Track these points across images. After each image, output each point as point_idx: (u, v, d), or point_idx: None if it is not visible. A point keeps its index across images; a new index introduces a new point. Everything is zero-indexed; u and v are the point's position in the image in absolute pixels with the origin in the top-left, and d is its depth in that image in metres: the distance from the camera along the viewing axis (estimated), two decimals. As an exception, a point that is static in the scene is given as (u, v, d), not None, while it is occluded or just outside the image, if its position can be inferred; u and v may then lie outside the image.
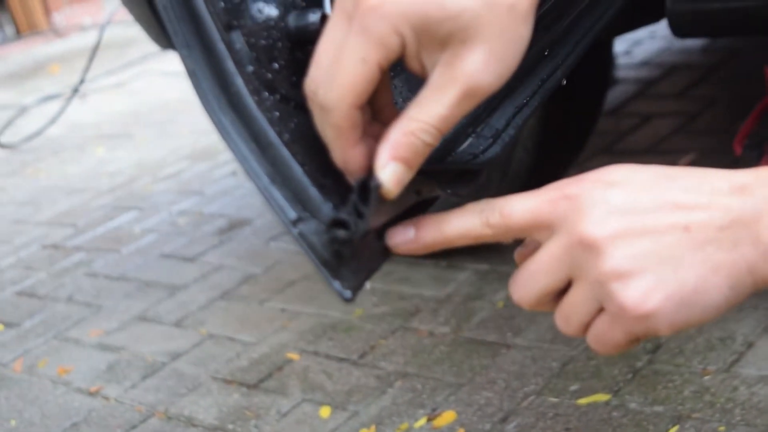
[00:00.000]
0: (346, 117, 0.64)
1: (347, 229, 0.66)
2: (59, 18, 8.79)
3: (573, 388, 1.58)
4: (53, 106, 5.04)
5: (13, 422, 1.90)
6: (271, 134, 0.71)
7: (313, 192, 0.70)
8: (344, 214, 0.66)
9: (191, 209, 2.93)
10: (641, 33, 3.41)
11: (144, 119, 4.47)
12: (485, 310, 1.90)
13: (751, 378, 1.48)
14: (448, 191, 0.77)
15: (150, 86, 5.26)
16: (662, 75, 2.98)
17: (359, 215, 0.65)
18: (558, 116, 1.99)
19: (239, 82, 0.72)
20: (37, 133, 4.54)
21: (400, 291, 2.06)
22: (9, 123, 4.93)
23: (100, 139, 4.28)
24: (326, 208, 0.69)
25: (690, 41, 3.19)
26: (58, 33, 8.29)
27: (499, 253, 2.11)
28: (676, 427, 1.41)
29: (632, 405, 1.49)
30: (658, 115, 2.67)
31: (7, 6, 8.84)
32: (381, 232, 0.72)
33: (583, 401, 1.53)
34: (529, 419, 1.52)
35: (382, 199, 0.66)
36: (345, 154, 0.66)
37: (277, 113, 0.72)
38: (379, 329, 1.93)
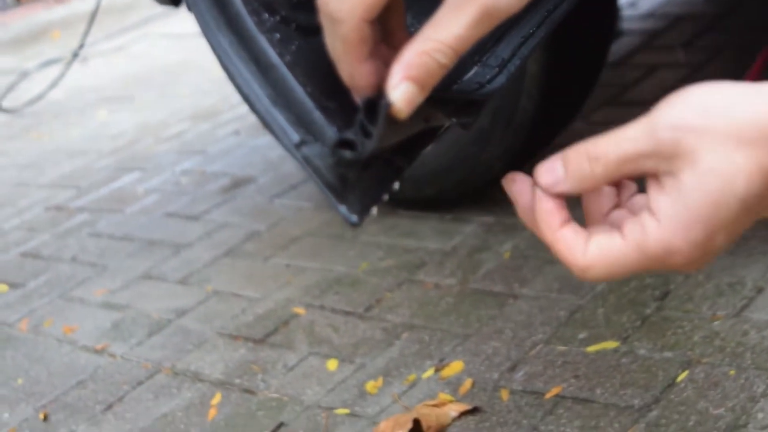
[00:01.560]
0: (355, 29, 0.62)
1: (354, 150, 0.64)
2: (59, -16, 8.72)
3: (581, 336, 1.56)
4: (54, 71, 5.01)
5: (19, 381, 1.90)
6: (272, 55, 0.69)
7: (317, 115, 0.68)
8: (351, 134, 0.63)
9: (194, 169, 2.91)
10: (646, -16, 3.37)
11: (145, 82, 4.44)
12: (491, 261, 1.88)
13: (761, 322, 1.47)
14: (454, 120, 0.75)
15: (150, 49, 5.22)
16: (667, 26, 2.94)
17: (366, 135, 0.63)
18: (563, 67, 1.96)
19: (238, 2, 0.70)
20: (39, 97, 4.51)
21: (405, 244, 2.05)
22: (11, 88, 4.90)
23: (102, 102, 4.25)
24: (330, 131, 0.67)
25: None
26: (57, -2, 8.23)
27: (505, 205, 2.09)
28: (686, 373, 1.40)
29: (641, 351, 1.48)
30: (664, 66, 2.64)
31: (6, -28, 8.78)
32: (388, 158, 0.70)
33: (591, 349, 1.52)
34: (538, 367, 1.51)
35: (391, 121, 0.64)
36: (353, 68, 0.64)
37: (278, 35, 0.70)
38: (385, 283, 1.91)
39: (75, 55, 4.63)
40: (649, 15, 3.08)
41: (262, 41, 0.69)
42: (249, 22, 0.70)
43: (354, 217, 0.68)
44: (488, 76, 0.77)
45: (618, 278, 0.61)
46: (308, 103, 0.68)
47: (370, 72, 0.64)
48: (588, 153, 0.60)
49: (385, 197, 0.72)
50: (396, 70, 0.62)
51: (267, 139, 2.95)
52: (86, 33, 4.55)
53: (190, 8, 0.73)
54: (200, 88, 3.94)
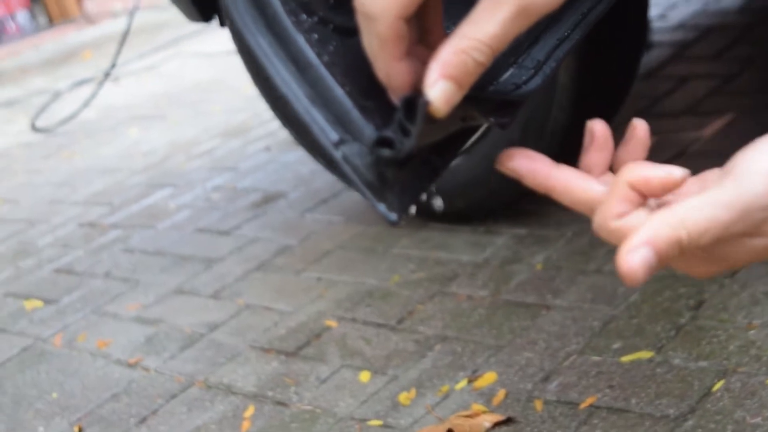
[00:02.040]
0: (391, 27, 0.62)
1: (392, 148, 0.64)
2: (91, 5, 8.83)
3: (615, 346, 1.55)
4: (86, 91, 5.07)
5: (54, 395, 1.91)
6: (311, 55, 0.69)
7: (355, 114, 0.68)
8: (389, 132, 0.63)
9: (225, 185, 2.93)
10: (676, -4, 3.36)
11: (176, 100, 4.47)
12: (524, 272, 1.88)
13: (797, 331, 1.46)
14: (491, 120, 0.75)
15: (181, 68, 5.27)
16: (698, 37, 2.93)
17: (405, 133, 0.63)
18: (594, 78, 1.96)
19: (276, 3, 0.70)
20: (71, 117, 4.56)
21: (437, 257, 2.05)
22: (44, 108, 4.96)
23: (134, 120, 4.29)
24: (368, 130, 0.67)
25: (726, 2, 3.14)
26: (89, 20, 8.33)
27: (537, 217, 2.09)
28: (721, 382, 1.39)
29: (676, 361, 1.47)
30: (695, 77, 2.62)
31: (39, -5, 8.89)
32: (426, 157, 0.70)
33: (626, 359, 1.51)
34: (571, 378, 1.50)
35: (429, 119, 0.64)
36: (389, 67, 0.64)
37: (316, 35, 0.70)
38: (417, 295, 1.91)
39: (107, 74, 4.68)
40: (680, 26, 3.07)
41: (301, 41, 0.70)
42: (287, 22, 0.70)
43: (393, 215, 0.67)
44: (524, 78, 0.77)
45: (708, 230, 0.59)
46: (346, 103, 0.68)
47: (406, 71, 0.64)
48: (681, 243, 0.59)
49: (423, 196, 0.72)
50: (433, 68, 0.62)
51: (297, 154, 2.96)
52: (118, 53, 4.60)
53: (227, 11, 0.73)
54: (231, 106, 3.97)
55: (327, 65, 0.69)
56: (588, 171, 0.68)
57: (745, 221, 0.59)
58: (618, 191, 0.62)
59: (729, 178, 0.60)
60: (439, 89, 0.62)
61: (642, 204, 0.63)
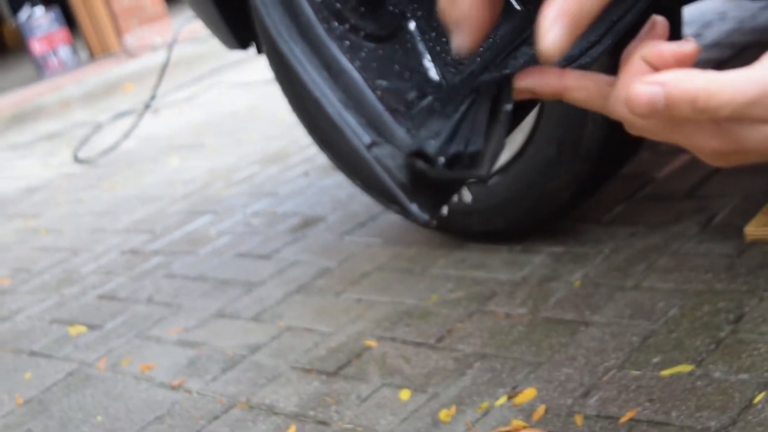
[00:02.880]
0: None
1: (428, 162, 0.65)
2: (131, 40, 8.96)
3: (655, 360, 1.55)
4: (127, 122, 5.14)
5: (99, 418, 1.94)
6: (343, 61, 0.71)
7: (387, 117, 0.70)
8: (431, 148, 0.64)
9: (265, 210, 2.96)
10: (711, 15, 3.36)
11: (215, 129, 4.53)
12: (561, 290, 1.88)
13: (839, 342, 1.45)
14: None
15: (219, 98, 5.33)
16: (733, 55, 2.92)
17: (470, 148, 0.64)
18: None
19: (309, 11, 0.72)
20: (112, 148, 4.63)
21: (474, 276, 2.05)
22: (86, 140, 5.04)
23: (173, 149, 4.35)
24: (401, 132, 0.69)
25: (761, 19, 3.14)
26: (129, 54, 8.45)
27: (574, 235, 2.09)
28: (762, 394, 1.38)
29: (716, 374, 1.46)
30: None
31: (80, 31, 9.04)
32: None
33: (665, 373, 1.51)
34: (611, 393, 1.50)
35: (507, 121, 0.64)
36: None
37: (348, 42, 0.73)
38: (456, 313, 1.92)
39: (147, 106, 4.75)
40: (715, 44, 3.07)
41: (333, 48, 0.72)
42: (320, 29, 0.72)
43: (425, 216, 0.69)
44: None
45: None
46: (378, 106, 0.70)
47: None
48: (696, 100, 0.57)
49: (455, 198, 0.74)
50: (549, 9, 0.61)
51: (336, 179, 2.99)
52: (157, 85, 4.67)
53: (261, 22, 0.76)
54: (269, 133, 4.01)
55: (359, 70, 0.71)
56: (627, 58, 0.65)
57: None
58: (631, 66, 0.62)
59: (765, 62, 0.58)
60: (556, 32, 0.61)
61: None
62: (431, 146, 0.65)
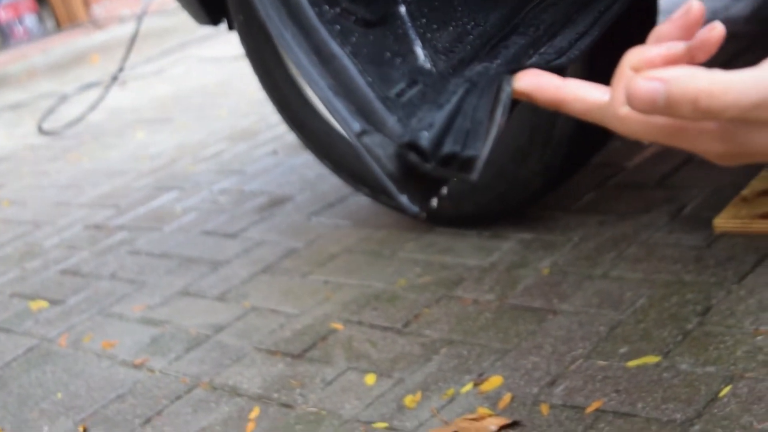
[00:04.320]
0: None
1: (420, 156, 0.63)
2: (98, 10, 8.86)
3: (622, 351, 1.55)
4: (93, 94, 5.08)
5: (59, 395, 1.91)
6: (334, 46, 0.69)
7: (378, 105, 0.68)
8: (424, 141, 0.63)
9: (232, 187, 2.93)
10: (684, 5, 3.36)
11: (183, 104, 4.48)
12: (530, 277, 1.87)
13: (805, 337, 1.45)
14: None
15: (188, 72, 5.28)
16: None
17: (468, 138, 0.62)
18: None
19: None
20: (78, 120, 4.57)
21: (443, 261, 2.04)
22: (51, 111, 4.97)
23: (140, 123, 4.30)
24: (391, 121, 0.67)
25: (734, 11, 3.14)
26: (97, 25, 8.35)
27: (544, 222, 2.08)
28: (728, 387, 1.38)
29: (683, 366, 1.46)
30: (703, 85, 2.62)
31: (47, 0, 8.91)
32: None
33: (632, 363, 1.50)
34: (578, 382, 1.50)
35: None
36: None
37: (338, 26, 0.71)
38: (423, 298, 1.91)
39: (114, 78, 4.69)
40: (687, 34, 3.07)
41: (323, 32, 0.70)
42: (310, 13, 0.70)
43: (415, 208, 0.67)
44: (547, 60, 0.77)
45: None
46: (369, 93, 0.68)
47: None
48: (697, 101, 0.56)
49: (444, 190, 0.72)
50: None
51: (304, 158, 2.96)
52: (125, 57, 4.61)
53: (250, 2, 0.74)
54: (238, 110, 3.97)
55: (350, 56, 0.69)
56: (657, 40, 0.64)
57: None
58: (622, 77, 0.61)
59: None
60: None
61: None
62: (424, 139, 0.63)
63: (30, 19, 8.63)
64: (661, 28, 0.62)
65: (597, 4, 0.85)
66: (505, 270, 1.93)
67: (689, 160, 2.17)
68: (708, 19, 2.40)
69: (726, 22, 3.02)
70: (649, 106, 0.57)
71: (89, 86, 5.47)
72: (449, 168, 0.62)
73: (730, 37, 2.91)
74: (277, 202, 2.68)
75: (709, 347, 1.49)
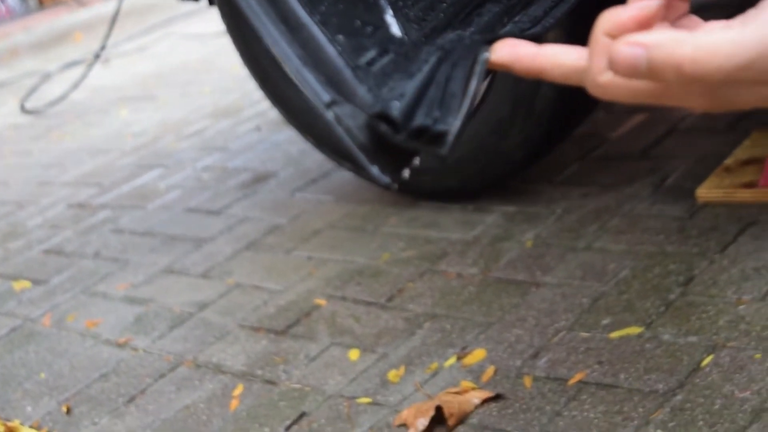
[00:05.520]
0: None
1: (392, 126, 0.62)
2: (81, -13, 8.78)
3: (604, 322, 1.55)
4: (76, 72, 5.04)
5: (42, 375, 1.90)
6: (302, 14, 0.68)
7: (348, 74, 0.67)
8: (395, 111, 0.61)
9: (215, 165, 2.91)
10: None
11: (166, 81, 4.45)
12: (514, 250, 1.87)
13: (787, 306, 1.45)
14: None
15: (171, 49, 5.24)
16: None
17: (445, 113, 0.61)
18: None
19: None
20: (61, 98, 4.54)
21: (426, 235, 2.04)
22: (33, 89, 4.94)
23: (124, 101, 4.27)
24: (362, 91, 0.66)
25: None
26: (80, 2, 8.28)
27: (527, 195, 2.08)
28: (711, 357, 1.38)
29: (665, 336, 1.46)
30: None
31: (28, -23, 8.84)
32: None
33: (615, 335, 1.50)
34: (561, 354, 1.50)
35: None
36: None
37: None
38: (407, 273, 1.90)
39: (97, 56, 4.65)
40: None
41: (291, 0, 0.68)
42: None
43: (386, 178, 0.66)
44: (521, 28, 0.75)
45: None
46: (339, 62, 0.67)
47: None
48: (681, 67, 0.55)
49: (417, 160, 0.71)
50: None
51: (287, 134, 2.95)
52: (108, 35, 4.57)
53: None
54: (221, 86, 3.95)
55: (319, 25, 0.68)
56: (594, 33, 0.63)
57: (761, 67, 0.54)
58: (597, 45, 0.60)
59: (755, 20, 0.55)
60: None
61: None
62: (395, 109, 0.62)
63: (12, -2, 8.55)
64: None
65: None
66: (489, 243, 1.92)
67: (672, 130, 2.17)
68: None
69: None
70: (631, 72, 0.56)
71: (72, 64, 5.43)
72: (420, 140, 0.61)
73: (716, 6, 2.91)
74: (260, 179, 2.67)
75: (691, 317, 1.49)
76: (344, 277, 1.96)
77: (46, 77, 5.22)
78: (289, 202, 2.45)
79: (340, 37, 0.68)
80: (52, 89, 4.91)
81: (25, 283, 2.38)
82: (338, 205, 2.33)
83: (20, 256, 2.59)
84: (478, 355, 1.56)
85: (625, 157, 2.13)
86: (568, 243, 1.83)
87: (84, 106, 4.38)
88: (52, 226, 2.76)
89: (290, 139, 2.90)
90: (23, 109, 4.58)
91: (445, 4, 0.70)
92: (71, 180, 3.20)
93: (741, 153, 1.90)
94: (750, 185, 1.78)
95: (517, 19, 0.76)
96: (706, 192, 1.82)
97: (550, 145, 2.07)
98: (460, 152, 2.03)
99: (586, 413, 1.35)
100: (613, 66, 0.56)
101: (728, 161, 1.89)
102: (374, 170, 0.66)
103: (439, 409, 1.42)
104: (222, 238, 2.33)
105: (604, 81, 0.59)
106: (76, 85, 4.57)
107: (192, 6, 5.39)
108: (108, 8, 6.96)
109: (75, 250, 2.51)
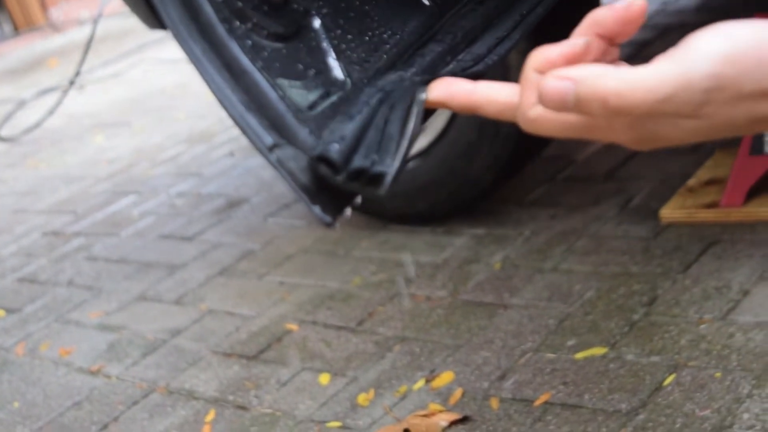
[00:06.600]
0: None
1: (333, 169, 0.64)
2: (56, 13, 8.79)
3: (570, 343, 1.57)
4: (51, 99, 5.04)
5: (15, 404, 1.91)
6: (245, 61, 0.70)
7: (290, 118, 0.69)
8: (335, 153, 0.63)
9: (189, 191, 2.93)
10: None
11: (141, 106, 4.46)
12: (482, 272, 1.89)
13: (747, 324, 1.48)
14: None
15: (146, 74, 5.25)
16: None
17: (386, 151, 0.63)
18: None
19: (209, 10, 0.71)
20: (36, 125, 4.53)
21: (397, 258, 2.06)
22: (8, 117, 4.93)
23: (99, 127, 4.28)
24: (303, 134, 0.68)
25: (684, 1, 3.18)
26: (55, 28, 8.28)
27: (496, 216, 2.10)
28: (672, 376, 1.41)
29: (629, 356, 1.49)
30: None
31: (3, 3, 8.84)
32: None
33: (580, 355, 1.53)
34: (527, 376, 1.52)
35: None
36: None
37: (250, 42, 0.72)
38: (377, 296, 1.92)
39: (71, 82, 4.66)
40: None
41: (234, 48, 0.71)
42: (220, 29, 0.71)
43: (328, 218, 0.69)
44: (463, 67, 0.78)
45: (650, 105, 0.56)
46: (280, 107, 0.69)
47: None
48: (606, 100, 0.56)
49: (358, 200, 0.73)
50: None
51: (260, 160, 2.97)
52: (82, 61, 4.57)
53: (162, 16, 0.74)
54: (196, 112, 3.97)
55: (261, 71, 0.70)
56: (591, 25, 0.63)
57: (682, 101, 0.56)
58: (527, 81, 0.62)
59: (677, 55, 0.57)
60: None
61: None
62: (335, 151, 0.64)
63: (-13, 24, 8.55)
64: (599, 13, 0.62)
65: (519, 7, 0.86)
66: (458, 266, 1.95)
67: (637, 152, 2.20)
68: (658, 9, 2.40)
69: (675, 13, 3.06)
70: (559, 105, 0.58)
71: (47, 91, 5.43)
72: (359, 181, 0.63)
73: (679, 28, 2.95)
74: (233, 204, 2.69)
75: (654, 337, 1.52)
76: (316, 301, 1.98)
77: (21, 104, 5.22)
78: (262, 227, 2.47)
79: (283, 81, 0.70)
80: (27, 116, 4.90)
81: (-1, 312, 2.39)
82: (310, 229, 2.35)
83: (-6, 285, 2.60)
84: (446, 377, 1.58)
85: (591, 179, 2.16)
86: (536, 264, 1.86)
87: (59, 133, 4.38)
88: (27, 254, 2.77)
89: (263, 164, 2.92)
90: (-2, 137, 4.58)
91: (387, 45, 0.72)
92: (46, 208, 3.21)
93: (703, 174, 1.94)
94: (712, 205, 1.82)
95: (460, 57, 0.78)
96: (669, 213, 1.86)
97: (518, 167, 2.10)
98: (430, 176, 2.06)
99: (550, 434, 1.37)
100: (543, 100, 0.58)
101: (691, 182, 1.92)
102: (316, 210, 0.68)
103: (407, 432, 1.44)
104: (195, 265, 2.34)
105: (534, 115, 0.61)
106: (51, 112, 4.57)
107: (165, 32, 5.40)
108: (83, 34, 6.97)
109: (49, 278, 2.52)
